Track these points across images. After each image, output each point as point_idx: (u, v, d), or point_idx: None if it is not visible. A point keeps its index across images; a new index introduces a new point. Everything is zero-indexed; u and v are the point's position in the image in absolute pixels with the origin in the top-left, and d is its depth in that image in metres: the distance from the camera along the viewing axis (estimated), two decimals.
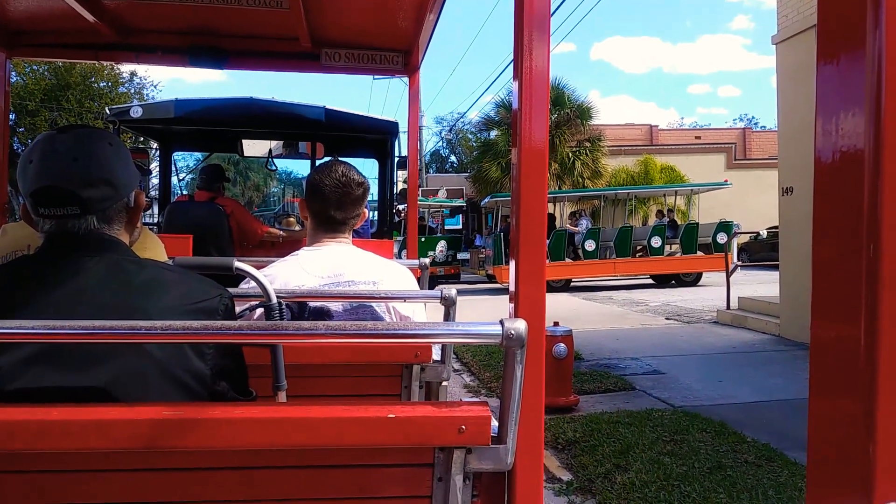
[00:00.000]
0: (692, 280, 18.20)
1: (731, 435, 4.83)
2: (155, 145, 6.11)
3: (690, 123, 60.55)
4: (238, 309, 2.03)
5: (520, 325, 1.09)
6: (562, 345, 5.54)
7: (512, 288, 1.52)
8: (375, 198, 6.53)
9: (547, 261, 16.89)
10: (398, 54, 4.12)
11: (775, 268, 10.13)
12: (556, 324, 5.79)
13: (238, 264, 1.82)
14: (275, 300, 1.74)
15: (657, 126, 36.01)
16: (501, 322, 1.10)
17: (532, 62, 1.58)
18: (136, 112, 5.13)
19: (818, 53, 0.66)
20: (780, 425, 5.08)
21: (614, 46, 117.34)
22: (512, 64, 1.65)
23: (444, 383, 1.99)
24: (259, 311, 1.86)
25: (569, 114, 23.73)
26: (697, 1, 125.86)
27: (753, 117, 64.71)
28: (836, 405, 0.68)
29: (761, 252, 22.34)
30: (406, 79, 4.39)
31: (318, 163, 5.67)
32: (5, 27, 3.66)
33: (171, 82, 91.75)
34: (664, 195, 21.70)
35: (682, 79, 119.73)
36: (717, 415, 5.37)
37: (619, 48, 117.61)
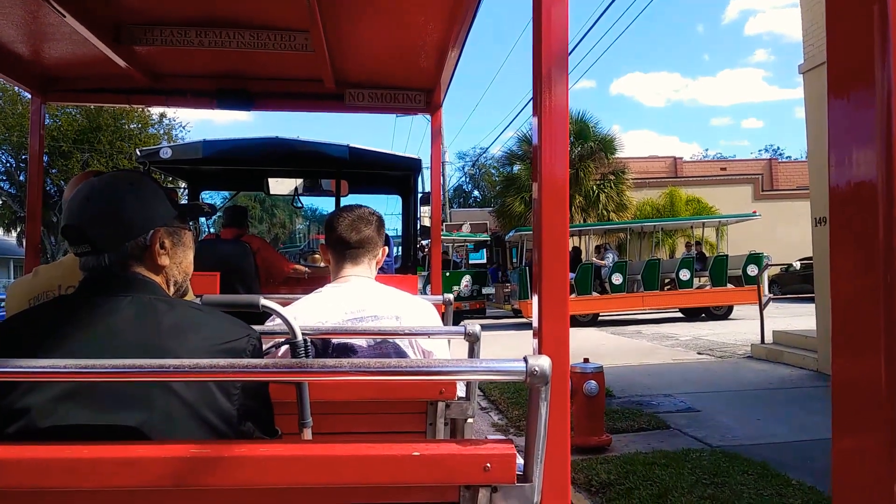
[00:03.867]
0: (723, 313, 17.90)
1: (775, 477, 4.63)
2: (183, 185, 6.22)
3: (714, 155, 60.39)
4: (264, 346, 2.05)
5: (544, 362, 1.09)
6: (593, 382, 5.37)
7: (535, 324, 1.51)
8: (399, 233, 6.57)
9: (574, 295, 16.91)
10: (420, 93, 4.18)
11: (808, 300, 9.89)
12: (586, 360, 5.62)
13: (264, 302, 1.83)
14: (300, 337, 1.75)
15: (682, 158, 35.89)
16: (525, 359, 1.09)
17: (551, 99, 1.60)
18: (166, 153, 5.25)
19: (829, 90, 0.67)
20: (824, 466, 4.84)
21: (634, 82, 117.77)
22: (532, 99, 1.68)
23: (470, 420, 1.98)
24: (284, 347, 1.87)
25: (592, 147, 23.78)
26: (716, 36, 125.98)
27: (779, 148, 64.27)
28: (859, 443, 0.67)
29: (793, 284, 21.99)
30: (428, 116, 4.45)
31: (342, 200, 5.74)
32: (40, 74, 3.79)
33: (200, 123, 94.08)
34: (692, 227, 21.53)
35: (703, 112, 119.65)
36: (757, 455, 5.17)
37: (639, 83, 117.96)
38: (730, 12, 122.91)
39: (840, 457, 0.69)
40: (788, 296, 19.81)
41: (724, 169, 34.77)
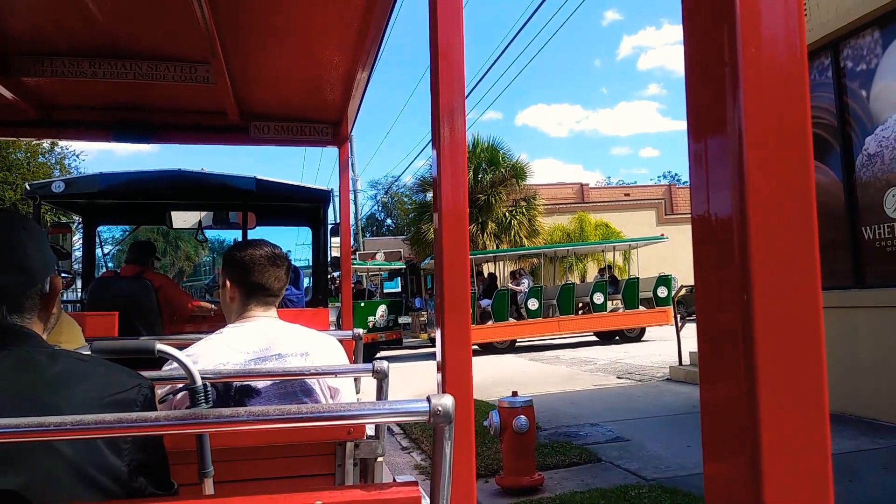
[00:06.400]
0: (636, 335, 18.17)
1: None
2: (78, 219, 5.90)
3: (617, 182, 62.89)
4: (162, 392, 1.95)
5: (447, 401, 1.08)
6: (523, 417, 5.02)
7: (439, 357, 1.51)
8: (310, 265, 6.47)
9: (490, 322, 16.90)
10: (328, 126, 4.15)
11: None
12: (514, 393, 5.28)
13: (160, 346, 1.74)
14: (199, 382, 1.67)
15: (588, 184, 37.08)
16: (428, 399, 1.08)
17: (450, 131, 1.62)
18: (58, 187, 4.98)
19: (688, 135, 0.72)
20: None
21: (538, 113, 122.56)
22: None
23: (380, 459, 1.94)
24: (182, 394, 1.79)
25: (504, 173, 24.19)
26: (612, 71, 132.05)
27: (676, 174, 67.75)
28: (725, 469, 0.70)
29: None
30: (336, 149, 4.41)
31: (250, 233, 5.60)
32: None
33: (100, 153, 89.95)
34: (603, 251, 22.13)
35: (604, 141, 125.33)
36: (695, 487, 4.90)
37: (543, 115, 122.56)
38: (623, 48, 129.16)
39: (710, 482, 0.72)
40: (693, 316, 20.56)
41: (628, 195, 36.14)
